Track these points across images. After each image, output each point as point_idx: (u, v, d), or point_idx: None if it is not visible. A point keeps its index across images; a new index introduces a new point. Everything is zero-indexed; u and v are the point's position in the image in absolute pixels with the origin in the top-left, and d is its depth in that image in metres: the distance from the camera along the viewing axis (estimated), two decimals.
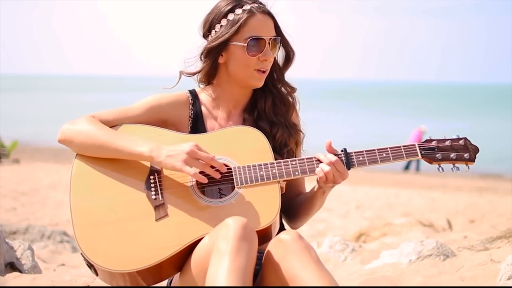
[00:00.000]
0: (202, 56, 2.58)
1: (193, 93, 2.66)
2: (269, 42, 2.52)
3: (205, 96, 2.66)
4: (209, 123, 2.62)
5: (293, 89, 2.68)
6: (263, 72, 2.55)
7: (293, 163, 2.44)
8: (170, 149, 2.35)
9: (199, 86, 2.69)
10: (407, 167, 21.28)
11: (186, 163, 2.31)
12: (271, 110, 2.62)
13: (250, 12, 2.50)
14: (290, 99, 2.68)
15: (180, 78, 2.65)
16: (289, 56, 2.64)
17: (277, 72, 2.64)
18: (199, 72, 2.62)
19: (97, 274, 2.38)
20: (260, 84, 2.57)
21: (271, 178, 2.41)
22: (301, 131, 2.68)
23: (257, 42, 2.50)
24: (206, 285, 2.11)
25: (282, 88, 2.67)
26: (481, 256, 3.68)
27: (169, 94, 2.63)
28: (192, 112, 2.62)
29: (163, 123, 2.58)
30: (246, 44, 2.50)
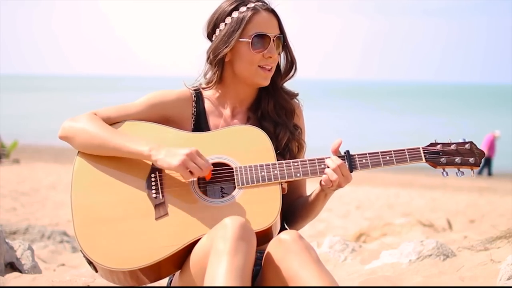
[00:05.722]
0: (210, 54, 2.55)
1: (197, 90, 2.65)
2: (273, 40, 2.52)
3: (209, 93, 2.64)
4: (212, 120, 2.61)
5: (293, 95, 2.66)
6: (269, 70, 2.53)
7: (295, 164, 2.43)
8: (170, 150, 2.35)
9: (202, 83, 2.65)
10: (480, 173, 19.24)
11: (183, 163, 2.31)
12: (273, 111, 2.60)
13: (255, 9, 2.51)
14: (292, 104, 2.64)
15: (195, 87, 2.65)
16: (291, 64, 2.61)
17: (277, 78, 2.61)
18: (207, 73, 2.61)
19: (96, 271, 2.39)
20: (266, 83, 2.55)
21: (273, 179, 2.40)
22: (303, 140, 2.63)
23: (261, 39, 2.50)
24: (205, 285, 2.11)
25: (283, 93, 2.64)
26: (481, 256, 3.67)
27: (171, 91, 2.63)
28: (195, 109, 2.61)
29: (166, 120, 2.57)
30: (251, 41, 2.49)
